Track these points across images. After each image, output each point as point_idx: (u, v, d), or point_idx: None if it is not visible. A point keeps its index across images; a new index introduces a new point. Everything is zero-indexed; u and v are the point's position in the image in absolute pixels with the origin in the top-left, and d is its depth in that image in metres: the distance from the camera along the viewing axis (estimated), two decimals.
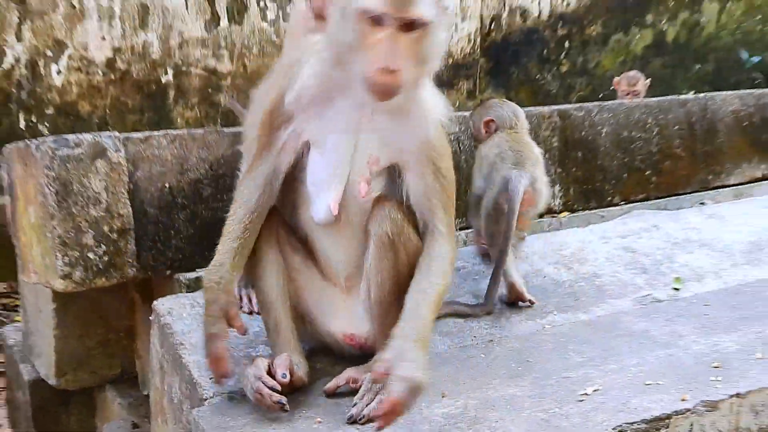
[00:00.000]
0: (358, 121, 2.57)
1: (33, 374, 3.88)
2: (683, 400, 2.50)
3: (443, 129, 2.70)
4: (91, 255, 3.28)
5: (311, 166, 2.64)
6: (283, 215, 2.75)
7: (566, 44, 9.44)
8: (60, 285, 3.27)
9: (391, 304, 2.56)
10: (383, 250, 2.57)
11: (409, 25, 2.37)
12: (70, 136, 3.28)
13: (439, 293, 2.56)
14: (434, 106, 2.66)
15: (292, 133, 2.64)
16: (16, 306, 5.60)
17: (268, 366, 2.54)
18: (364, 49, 2.39)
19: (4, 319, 5.59)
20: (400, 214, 2.59)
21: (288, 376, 2.52)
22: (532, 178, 3.34)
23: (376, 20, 2.37)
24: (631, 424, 2.39)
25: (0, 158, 3.76)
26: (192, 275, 3.41)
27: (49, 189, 3.20)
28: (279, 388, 2.48)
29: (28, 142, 3.29)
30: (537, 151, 3.54)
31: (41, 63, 6.38)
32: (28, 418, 3.94)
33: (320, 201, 2.63)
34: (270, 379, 2.49)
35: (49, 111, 6.45)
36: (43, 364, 3.76)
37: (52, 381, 3.69)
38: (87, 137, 3.31)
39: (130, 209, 3.37)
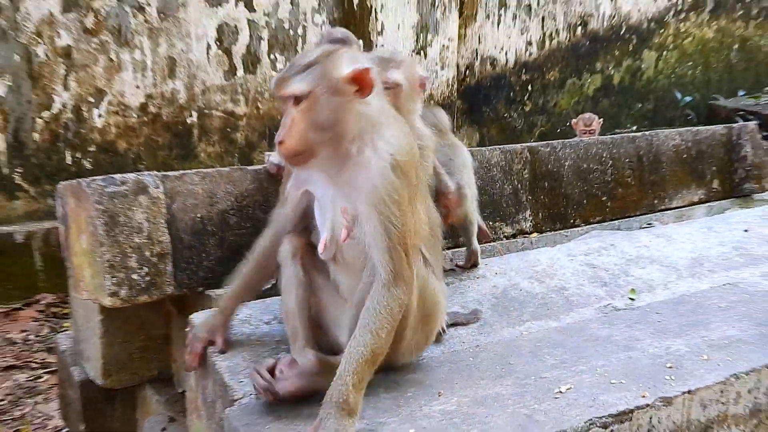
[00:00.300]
0: (328, 175, 2.53)
1: (82, 375, 3.84)
2: (643, 396, 2.50)
3: (399, 174, 2.43)
4: (135, 276, 3.27)
5: (315, 211, 2.66)
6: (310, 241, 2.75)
7: (529, 87, 9.52)
8: (108, 302, 3.25)
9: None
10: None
11: (296, 100, 2.35)
12: (117, 176, 3.27)
13: (368, 354, 2.36)
14: (384, 155, 2.43)
15: (292, 183, 2.68)
16: (65, 314, 5.57)
17: (274, 364, 2.56)
18: None
19: (55, 326, 5.58)
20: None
21: (284, 372, 2.52)
22: (458, 184, 3.40)
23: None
24: (600, 417, 2.38)
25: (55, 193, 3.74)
26: (221, 291, 3.38)
27: (99, 220, 3.18)
28: (269, 377, 2.49)
29: (80, 181, 3.27)
30: (466, 155, 3.57)
31: (84, 108, 6.39)
32: (78, 413, 3.91)
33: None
34: (265, 371, 2.51)
35: (92, 148, 6.46)
36: (91, 367, 3.73)
37: (99, 381, 3.66)
38: (131, 176, 3.30)
39: (168, 236, 3.36)
